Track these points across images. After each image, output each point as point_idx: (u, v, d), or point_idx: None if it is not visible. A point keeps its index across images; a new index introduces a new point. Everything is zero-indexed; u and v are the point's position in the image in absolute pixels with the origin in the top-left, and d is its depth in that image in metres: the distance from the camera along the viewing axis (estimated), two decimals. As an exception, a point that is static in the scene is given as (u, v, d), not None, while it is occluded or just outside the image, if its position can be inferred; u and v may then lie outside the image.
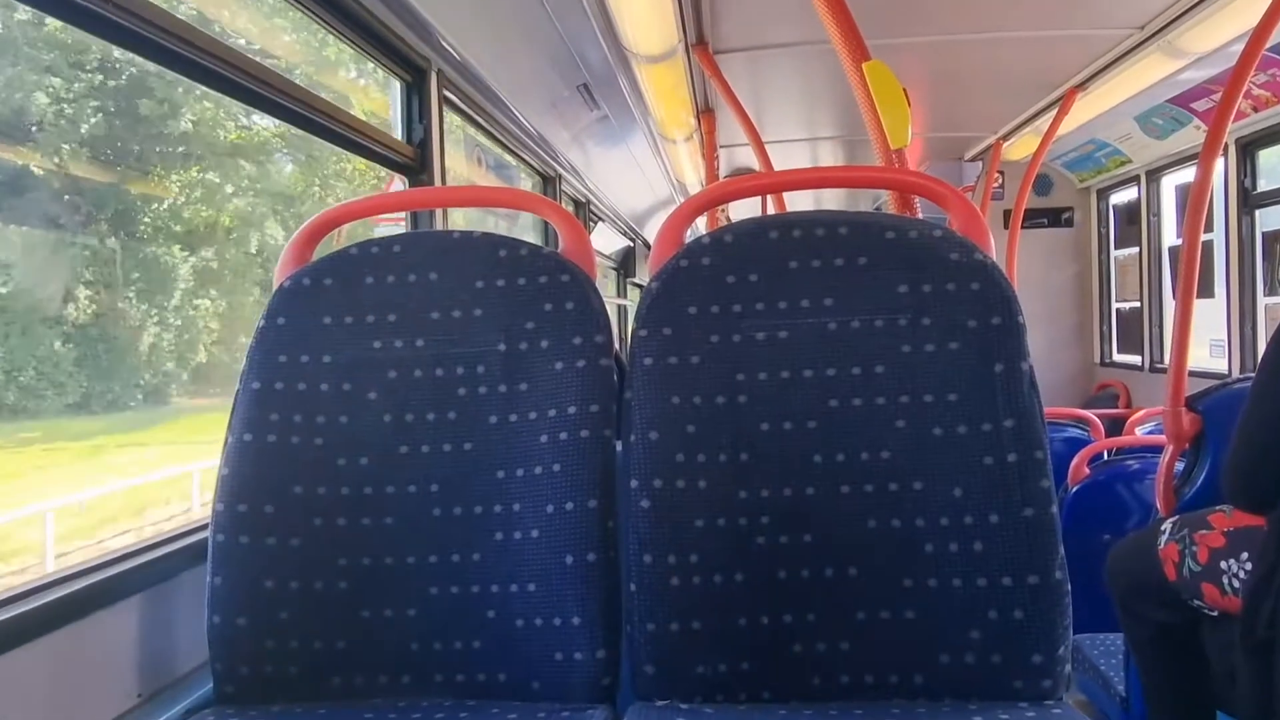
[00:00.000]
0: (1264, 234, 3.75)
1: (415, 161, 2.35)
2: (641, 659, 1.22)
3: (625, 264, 7.13)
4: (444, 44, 2.35)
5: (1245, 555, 1.63)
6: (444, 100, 2.50)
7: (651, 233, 7.26)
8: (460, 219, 3.24)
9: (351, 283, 1.34)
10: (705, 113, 3.85)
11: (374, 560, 1.28)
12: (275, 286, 1.35)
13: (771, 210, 3.91)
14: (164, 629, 1.29)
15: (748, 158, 4.85)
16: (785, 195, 3.61)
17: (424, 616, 1.27)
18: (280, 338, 1.32)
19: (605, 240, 6.25)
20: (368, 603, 1.27)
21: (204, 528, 1.31)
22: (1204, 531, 1.73)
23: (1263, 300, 3.73)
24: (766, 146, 3.47)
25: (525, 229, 4.94)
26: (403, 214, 2.38)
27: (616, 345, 1.33)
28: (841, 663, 1.22)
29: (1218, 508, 1.76)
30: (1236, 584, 1.64)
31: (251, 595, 1.24)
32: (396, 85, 2.40)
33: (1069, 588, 1.18)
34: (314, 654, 1.25)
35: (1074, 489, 2.71)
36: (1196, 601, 1.74)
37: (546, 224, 4.04)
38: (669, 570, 1.21)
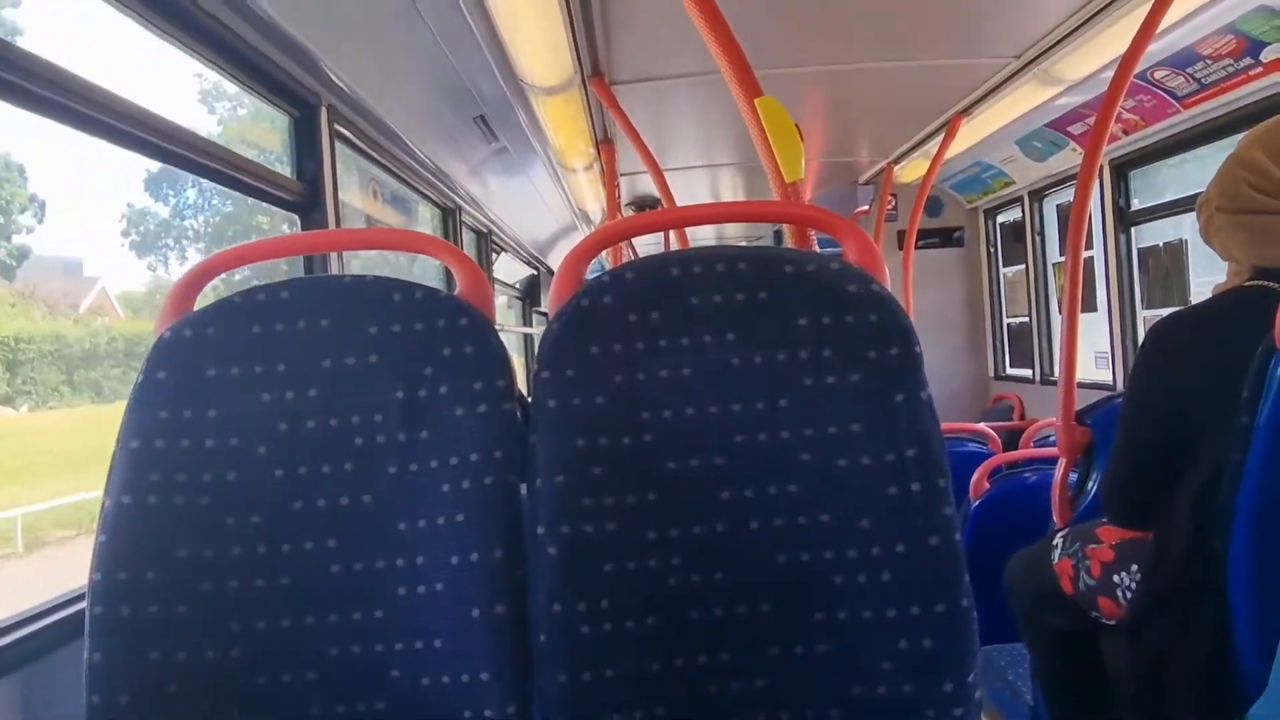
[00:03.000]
0: (1139, 250, 3.94)
1: (307, 199, 2.28)
2: (554, 712, 1.18)
3: (530, 292, 7.09)
4: (333, 78, 2.30)
5: (1135, 567, 1.69)
6: (336, 135, 2.44)
7: (555, 260, 7.24)
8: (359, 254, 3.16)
9: (237, 332, 1.27)
10: (605, 143, 3.86)
11: (270, 623, 1.21)
12: (155, 338, 1.28)
13: (674, 241, 3.94)
14: (36, 714, 1.20)
15: (649, 185, 4.87)
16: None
17: (325, 680, 1.21)
18: (160, 393, 1.24)
19: (509, 270, 6.20)
20: (264, 669, 1.20)
21: (79, 599, 1.22)
22: (1093, 545, 1.78)
23: (1141, 313, 3.92)
24: (666, 175, 3.49)
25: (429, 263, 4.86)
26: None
27: (522, 381, 1.30)
28: (758, 701, 1.21)
29: (1103, 520, 1.83)
30: (1129, 595, 1.69)
31: (135, 670, 1.16)
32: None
33: (975, 614, 1.20)
34: None
35: (975, 503, 2.78)
36: (1094, 613, 1.79)
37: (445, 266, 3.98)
38: (579, 618, 1.18)
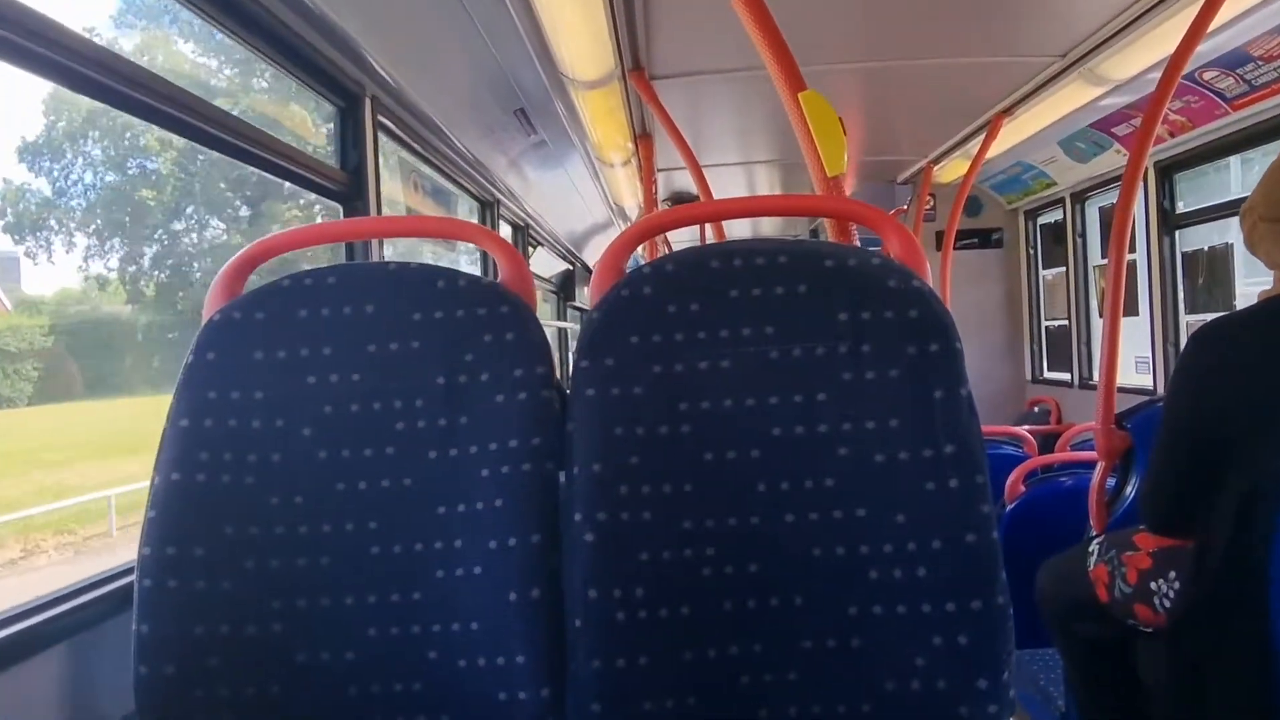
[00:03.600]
0: (1184, 254, 3.88)
1: (350, 188, 2.31)
2: (587, 697, 1.19)
3: (565, 287, 7.12)
4: (378, 69, 2.33)
5: (1173, 574, 1.67)
6: (379, 126, 2.47)
7: (590, 256, 7.26)
8: (396, 246, 3.20)
9: (284, 316, 1.30)
10: (643, 137, 3.87)
11: (310, 602, 1.23)
12: (204, 321, 1.31)
13: (710, 236, 3.94)
14: (87, 681, 1.23)
15: (686, 181, 4.88)
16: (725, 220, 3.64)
17: (363, 659, 1.23)
18: (210, 373, 1.27)
19: (545, 264, 6.23)
20: (303, 646, 1.22)
21: (129, 572, 1.25)
22: (1131, 553, 1.76)
23: (1185, 318, 3.86)
24: (704, 170, 3.49)
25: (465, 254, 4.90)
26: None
27: (558, 372, 1.32)
28: (789, 693, 1.21)
29: (1142, 527, 1.80)
30: (1168, 603, 1.67)
31: (180, 642, 1.19)
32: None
33: (1011, 612, 1.19)
34: (247, 702, 1.20)
35: (1010, 506, 2.76)
36: (1131, 621, 1.77)
37: (485, 254, 4.02)
38: (614, 605, 1.19)
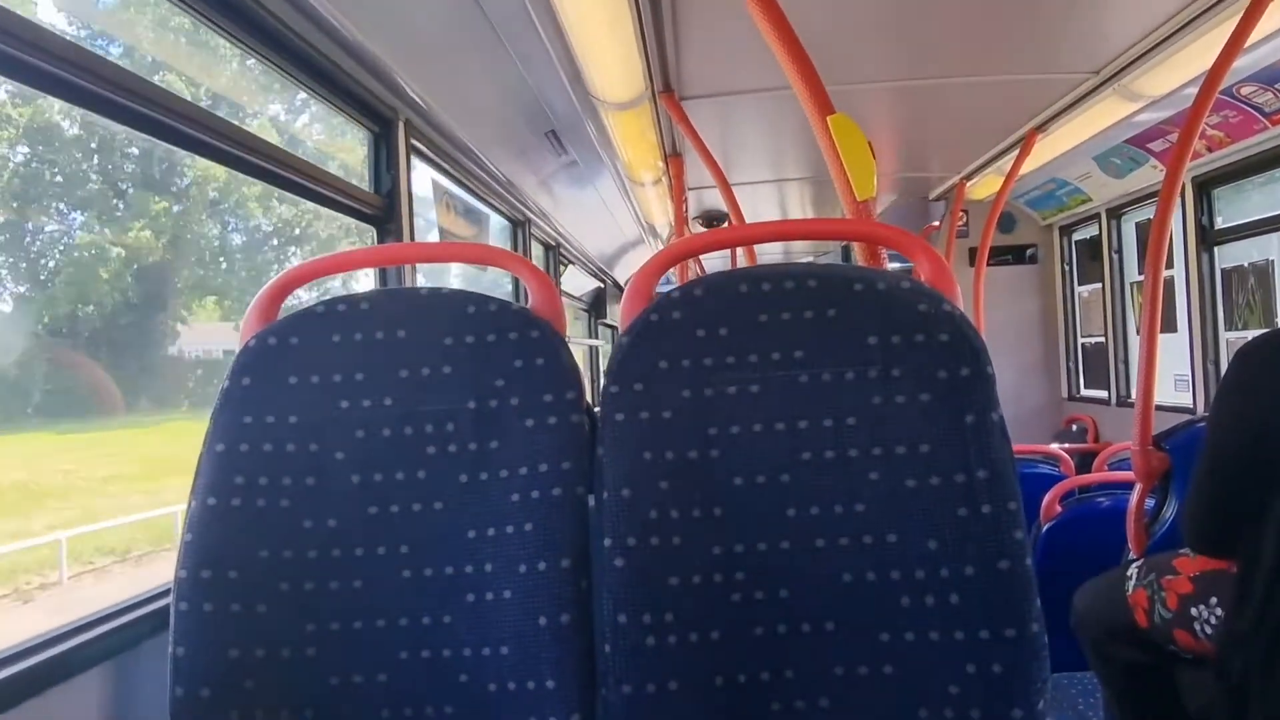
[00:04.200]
0: (1223, 270, 3.82)
1: (383, 212, 2.35)
2: None
3: (596, 305, 7.14)
4: (411, 94, 2.36)
5: (1215, 600, 1.64)
6: (412, 149, 2.50)
7: (621, 273, 7.28)
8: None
9: (318, 341, 1.32)
10: (673, 157, 3.88)
11: (343, 625, 1.24)
12: (240, 346, 1.33)
13: (741, 256, 3.94)
14: (124, 702, 1.25)
15: (717, 199, 4.89)
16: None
17: (395, 682, 1.24)
18: (245, 398, 1.29)
19: (576, 282, 6.26)
20: (336, 669, 1.24)
21: (165, 594, 1.27)
22: (1171, 577, 1.73)
23: (1224, 335, 3.80)
24: (734, 189, 3.49)
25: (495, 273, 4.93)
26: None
27: (588, 394, 1.32)
28: None
29: (1181, 551, 1.77)
30: (1209, 630, 1.64)
31: (216, 665, 1.20)
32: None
33: (1046, 640, 1.17)
34: None
35: (1046, 526, 2.72)
36: (1171, 647, 1.74)
37: (516, 278, 4.05)
38: (644, 630, 1.19)
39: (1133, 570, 1.87)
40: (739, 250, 4.01)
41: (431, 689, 1.23)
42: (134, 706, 1.27)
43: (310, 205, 2.20)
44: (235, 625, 1.22)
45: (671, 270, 1.46)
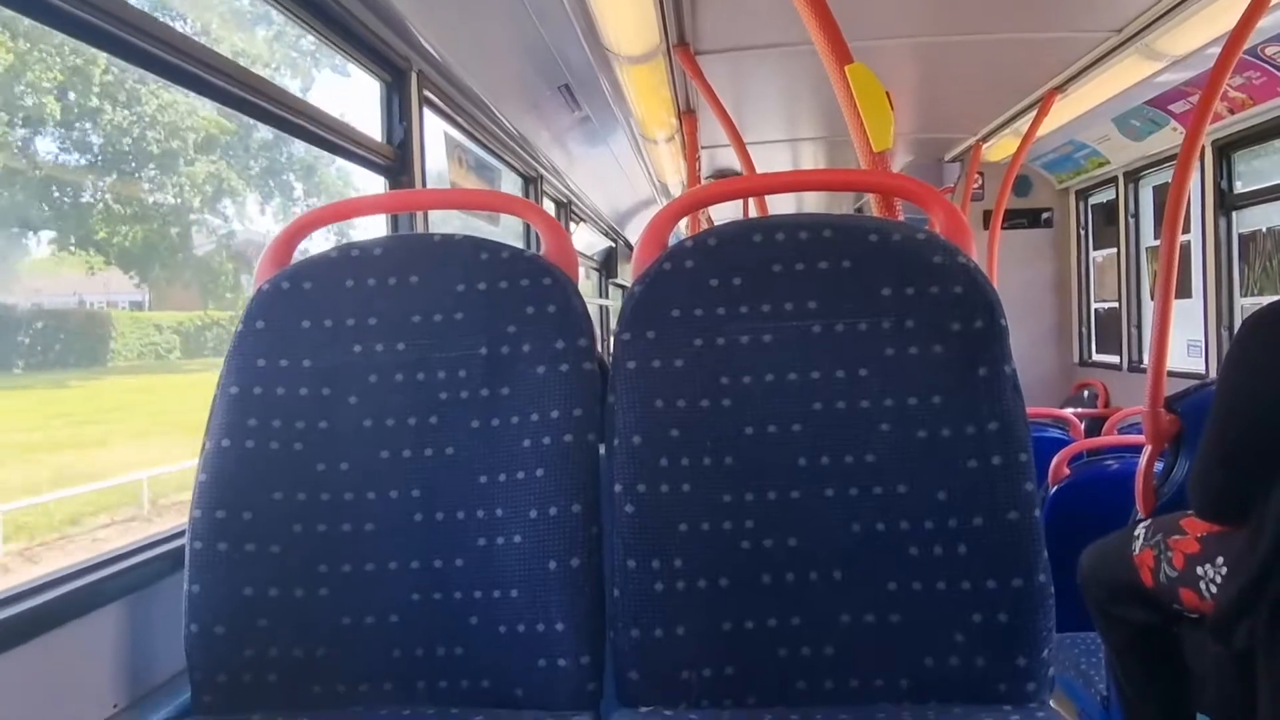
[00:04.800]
0: (1240, 235, 3.78)
1: (395, 162, 2.34)
2: (625, 665, 1.21)
3: (607, 264, 7.12)
4: (424, 44, 2.34)
5: (1220, 560, 1.64)
6: (424, 101, 2.48)
7: (633, 233, 7.25)
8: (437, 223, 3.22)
9: (331, 286, 1.32)
10: (687, 113, 3.85)
11: (354, 567, 1.26)
12: (254, 290, 1.33)
13: (753, 213, 3.92)
14: (141, 637, 1.27)
15: (729, 159, 4.85)
16: (767, 197, 3.61)
17: (406, 623, 1.25)
18: (259, 342, 1.30)
19: (587, 241, 6.24)
20: (348, 610, 1.25)
21: (181, 534, 1.29)
22: (1178, 537, 1.73)
23: (1240, 301, 3.77)
24: (748, 147, 3.47)
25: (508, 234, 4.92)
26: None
27: (599, 347, 1.32)
28: (826, 667, 1.22)
29: (1189, 511, 1.77)
30: (1214, 589, 1.65)
31: (230, 603, 1.22)
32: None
33: (1052, 590, 1.18)
34: (294, 662, 1.23)
35: (1054, 489, 2.72)
36: (1176, 606, 1.74)
37: (528, 227, 4.04)
38: (653, 575, 1.20)
39: (1139, 530, 1.87)
40: (751, 208, 3.99)
41: (442, 630, 1.25)
42: (150, 642, 1.29)
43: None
44: (249, 565, 1.23)
45: (682, 224, 1.46)
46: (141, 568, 1.29)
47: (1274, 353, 1.54)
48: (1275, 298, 1.66)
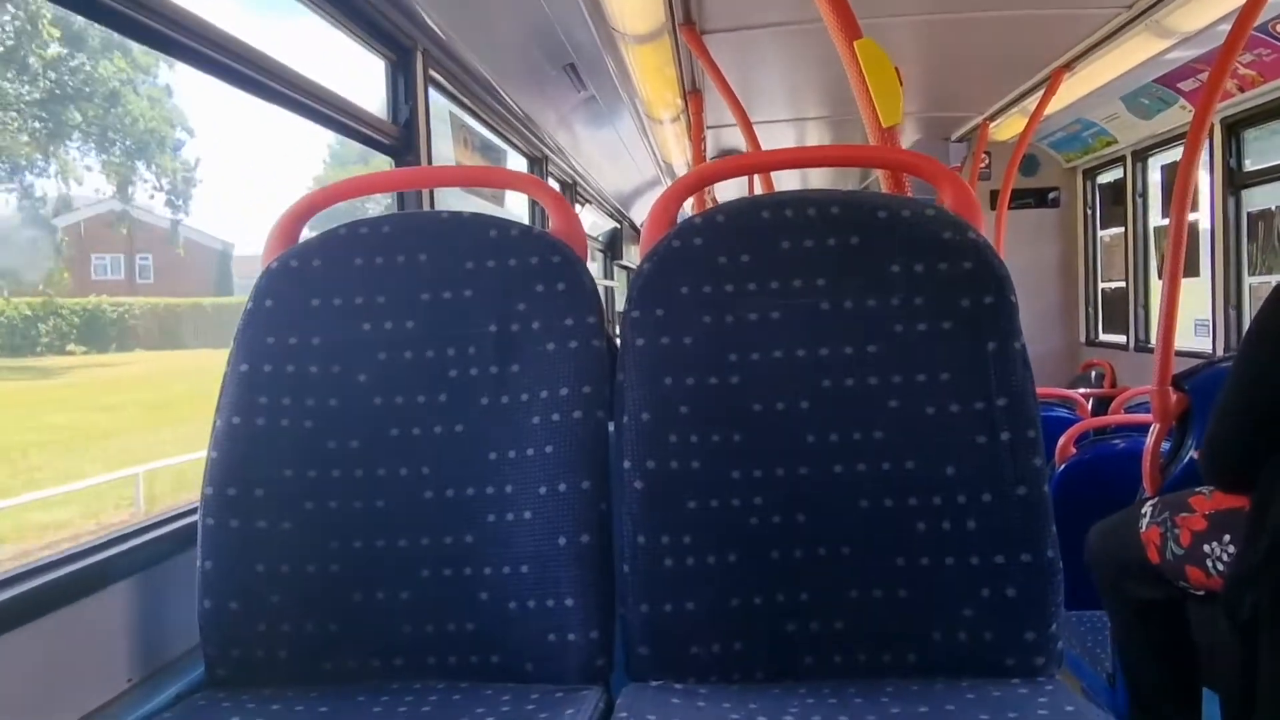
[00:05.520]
0: (1249, 214, 3.76)
1: (401, 142, 2.33)
2: (635, 640, 1.22)
3: (612, 245, 7.11)
4: (429, 23, 2.33)
5: (1228, 538, 1.64)
6: (430, 80, 2.48)
7: (638, 214, 7.24)
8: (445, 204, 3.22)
9: (340, 264, 1.32)
10: (692, 93, 3.83)
11: (365, 543, 1.27)
12: (262, 268, 1.33)
13: (760, 191, 3.90)
14: (155, 613, 1.28)
15: (735, 139, 4.83)
16: (773, 176, 3.60)
17: (416, 599, 1.26)
18: (268, 320, 1.30)
19: (592, 222, 6.23)
20: (359, 586, 1.26)
21: (194, 511, 1.30)
22: (1185, 514, 1.74)
23: (1248, 280, 3.75)
24: (755, 127, 3.45)
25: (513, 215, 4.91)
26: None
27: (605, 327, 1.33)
28: (835, 642, 1.22)
29: (1198, 490, 1.77)
30: (1220, 566, 1.65)
31: (242, 579, 1.23)
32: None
33: (1060, 565, 1.19)
34: (306, 637, 1.24)
35: (1061, 468, 2.73)
36: (1182, 583, 1.75)
37: (533, 206, 4.03)
38: (662, 551, 1.21)
39: (1147, 508, 1.87)
40: (758, 188, 3.97)
41: (452, 606, 1.26)
42: (164, 617, 1.30)
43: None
44: (261, 541, 1.24)
45: (688, 206, 1.45)
46: (155, 544, 1.30)
47: None
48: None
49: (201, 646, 1.23)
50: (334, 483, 1.27)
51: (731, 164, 1.49)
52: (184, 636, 1.30)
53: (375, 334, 1.31)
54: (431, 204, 2.38)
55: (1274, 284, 1.62)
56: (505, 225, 1.33)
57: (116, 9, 1.32)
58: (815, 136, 5.12)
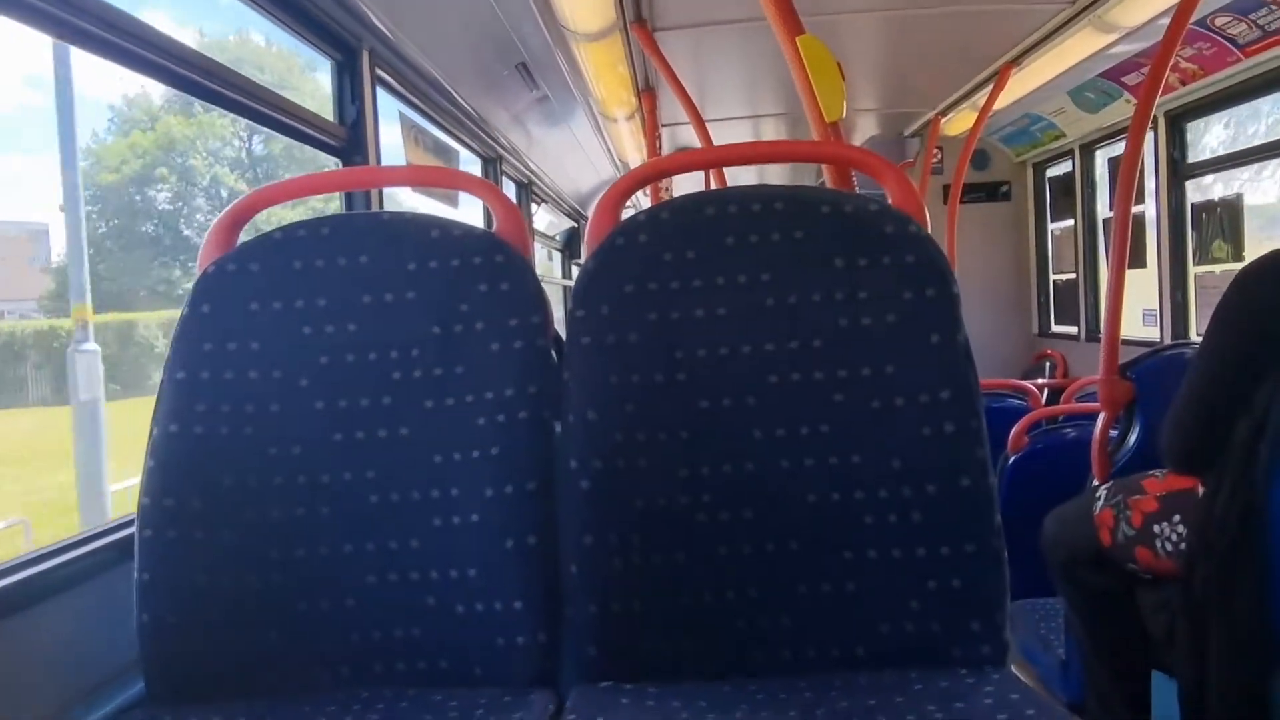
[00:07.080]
0: (1193, 205, 3.84)
1: (348, 143, 2.30)
2: (584, 641, 1.21)
3: (570, 245, 7.09)
4: (375, 22, 2.30)
5: (1177, 518, 1.67)
6: (377, 80, 2.45)
7: None
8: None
9: (278, 267, 1.30)
10: (646, 91, 3.83)
11: (309, 551, 1.25)
12: (199, 273, 1.31)
13: (714, 187, 3.91)
14: (92, 627, 1.25)
15: (691, 136, 4.83)
16: (730, 173, 3.61)
17: (362, 607, 1.24)
18: (205, 326, 1.28)
19: (549, 221, 6.21)
20: (304, 595, 1.24)
21: (131, 523, 1.27)
22: (1137, 496, 1.76)
23: (1193, 269, 3.82)
24: (709, 125, 3.46)
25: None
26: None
27: (559, 326, 1.32)
28: (784, 638, 1.22)
29: (1150, 472, 1.80)
30: (1169, 547, 1.68)
31: (181, 591, 1.21)
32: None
33: (1005, 555, 1.20)
34: (248, 649, 1.22)
35: (1013, 458, 2.76)
36: (1131, 565, 1.78)
37: (487, 209, 4.00)
38: (610, 551, 1.20)
39: (1101, 492, 1.90)
40: (712, 182, 3.98)
41: (400, 612, 1.24)
42: (102, 631, 1.27)
43: None
44: (200, 552, 1.22)
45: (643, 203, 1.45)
46: (91, 556, 1.27)
47: (1251, 303, 1.53)
48: (1226, 265, 1.67)
49: (141, 661, 1.20)
50: (276, 490, 1.25)
51: (675, 161, 1.49)
52: (124, 651, 1.27)
53: (316, 338, 1.28)
54: (380, 206, 2.35)
55: (1215, 272, 1.64)
56: (448, 225, 1.32)
57: (44, 9, 1.29)
58: (771, 133, 5.14)
